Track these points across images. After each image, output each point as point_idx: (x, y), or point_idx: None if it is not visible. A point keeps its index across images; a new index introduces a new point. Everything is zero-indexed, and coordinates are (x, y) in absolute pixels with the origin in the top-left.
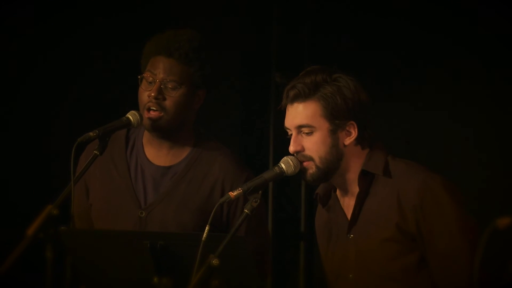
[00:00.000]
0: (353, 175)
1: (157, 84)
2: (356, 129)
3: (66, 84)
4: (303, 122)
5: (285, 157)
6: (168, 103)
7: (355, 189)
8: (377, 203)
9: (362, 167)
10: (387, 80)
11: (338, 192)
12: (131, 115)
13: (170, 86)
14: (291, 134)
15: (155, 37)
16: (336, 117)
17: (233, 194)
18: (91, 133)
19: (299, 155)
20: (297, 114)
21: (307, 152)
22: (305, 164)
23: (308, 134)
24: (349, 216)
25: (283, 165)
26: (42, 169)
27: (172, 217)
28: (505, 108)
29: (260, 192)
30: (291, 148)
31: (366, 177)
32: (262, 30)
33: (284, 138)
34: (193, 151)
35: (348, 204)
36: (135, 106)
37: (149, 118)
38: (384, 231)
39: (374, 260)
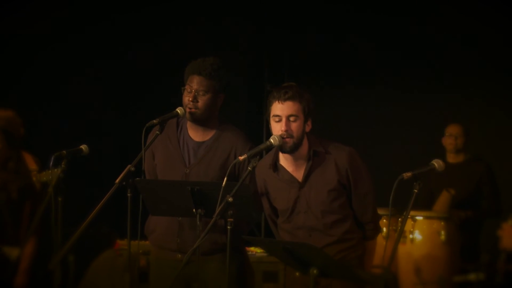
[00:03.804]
0: (303, 152)
1: (193, 93)
2: (311, 122)
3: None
4: (294, 113)
5: (272, 135)
6: (200, 104)
7: (302, 160)
8: (322, 169)
9: (312, 148)
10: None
11: (283, 162)
12: (179, 110)
13: (201, 93)
14: (279, 120)
15: (191, 63)
16: (308, 113)
17: (241, 158)
18: (154, 121)
19: (286, 133)
20: (289, 108)
21: (291, 132)
22: (287, 139)
23: (293, 121)
24: (297, 177)
25: (271, 140)
26: (125, 143)
27: (204, 172)
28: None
29: (258, 156)
30: (283, 128)
31: (314, 154)
32: (258, 46)
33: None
34: (217, 132)
35: (294, 169)
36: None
37: (189, 113)
38: (330, 185)
39: (322, 202)
